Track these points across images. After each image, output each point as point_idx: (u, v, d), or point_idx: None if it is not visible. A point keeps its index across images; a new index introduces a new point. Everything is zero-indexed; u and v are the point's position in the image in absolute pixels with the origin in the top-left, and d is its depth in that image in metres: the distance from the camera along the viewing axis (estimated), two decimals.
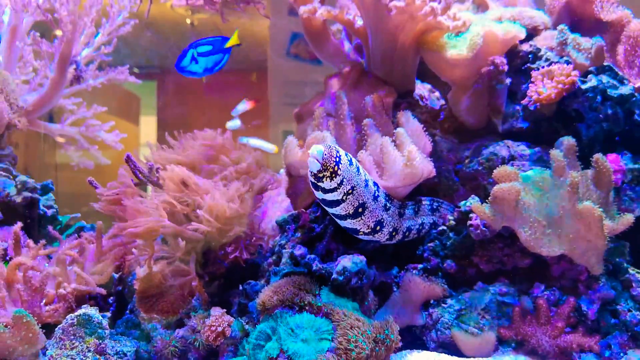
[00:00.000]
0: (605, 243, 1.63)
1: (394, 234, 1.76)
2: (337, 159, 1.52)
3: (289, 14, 3.87)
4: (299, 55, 3.97)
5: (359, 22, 2.06)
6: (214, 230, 1.78)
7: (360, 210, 1.62)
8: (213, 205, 1.77)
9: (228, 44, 2.21)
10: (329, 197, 1.57)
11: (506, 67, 1.94)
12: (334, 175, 1.51)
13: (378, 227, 1.69)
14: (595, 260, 1.66)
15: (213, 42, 2.21)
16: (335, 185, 1.54)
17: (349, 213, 1.61)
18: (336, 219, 1.69)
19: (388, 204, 1.72)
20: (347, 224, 1.67)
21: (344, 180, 1.54)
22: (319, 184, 1.54)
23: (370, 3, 1.90)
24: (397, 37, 1.96)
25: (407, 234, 1.82)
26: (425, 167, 1.71)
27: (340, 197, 1.57)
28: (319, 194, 1.58)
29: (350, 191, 1.57)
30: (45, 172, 3.26)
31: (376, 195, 1.66)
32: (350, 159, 1.58)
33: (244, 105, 3.03)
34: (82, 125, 2.72)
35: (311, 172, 1.52)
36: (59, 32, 2.52)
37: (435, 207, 1.91)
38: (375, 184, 1.68)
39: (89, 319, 1.66)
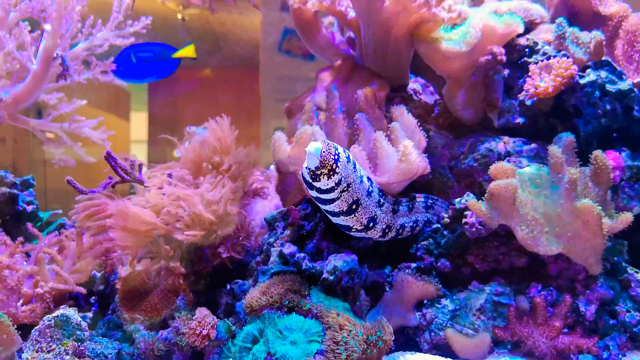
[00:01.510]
0: (603, 242, 1.60)
1: (386, 231, 1.71)
2: (336, 156, 1.46)
3: (281, 10, 3.83)
4: (290, 51, 3.94)
5: (352, 14, 2.01)
6: (198, 238, 1.74)
7: (354, 207, 1.56)
8: (197, 213, 1.72)
9: (179, 54, 2.16)
10: (324, 195, 1.51)
11: (504, 58, 1.89)
12: (332, 173, 1.45)
13: (371, 224, 1.64)
14: (593, 259, 1.63)
15: (155, 48, 2.16)
16: (333, 184, 1.48)
17: (342, 210, 1.56)
18: (328, 216, 1.63)
19: (382, 200, 1.67)
20: (340, 220, 1.61)
21: (342, 178, 1.48)
22: (315, 183, 1.47)
23: None
24: (390, 29, 1.91)
25: (400, 231, 1.76)
26: (420, 163, 1.67)
27: (335, 196, 1.51)
28: (313, 193, 1.52)
29: (345, 188, 1.51)
30: (34, 167, 3.20)
31: (370, 190, 1.61)
32: (348, 155, 1.52)
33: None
34: (67, 121, 2.64)
35: (308, 170, 1.45)
36: (47, 27, 2.44)
37: (429, 204, 1.86)
38: (369, 179, 1.63)
39: (67, 320, 1.59)
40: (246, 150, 1.99)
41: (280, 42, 3.95)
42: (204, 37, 3.79)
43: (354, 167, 1.53)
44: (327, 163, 1.44)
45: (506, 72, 1.97)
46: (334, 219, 1.62)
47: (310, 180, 1.47)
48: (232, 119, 2.11)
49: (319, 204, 1.58)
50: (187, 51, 2.19)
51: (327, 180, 1.46)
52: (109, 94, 3.76)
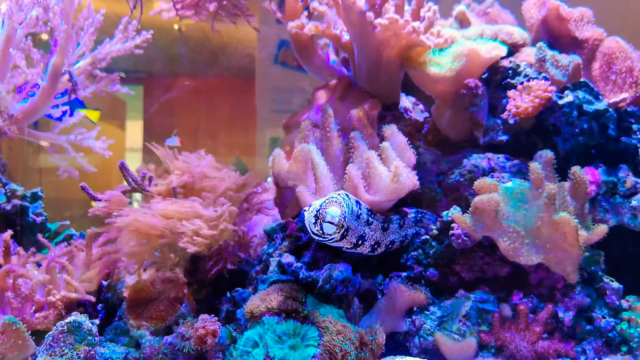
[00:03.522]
0: (580, 252, 1.69)
1: (375, 247, 1.80)
2: (345, 213, 1.55)
3: (277, 22, 3.91)
4: (286, 62, 4.00)
5: (346, 37, 2.11)
6: (202, 248, 1.83)
7: (345, 234, 1.66)
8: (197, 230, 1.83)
9: (86, 111, 2.46)
10: (325, 240, 1.62)
11: (480, 90, 2.00)
12: (341, 227, 1.55)
13: (360, 242, 1.74)
14: (571, 269, 1.72)
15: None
16: (341, 233, 1.59)
17: (335, 240, 1.66)
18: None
19: (370, 219, 1.75)
20: (332, 244, 1.72)
21: (345, 225, 1.58)
22: (321, 236, 1.58)
23: (356, 20, 1.95)
24: (382, 52, 2.02)
25: (390, 246, 1.86)
26: (410, 181, 1.76)
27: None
28: (315, 237, 1.62)
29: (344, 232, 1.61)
30: (29, 176, 3.24)
31: (359, 214, 1.70)
32: (344, 198, 1.60)
33: (173, 140, 3.05)
34: (70, 132, 2.73)
35: (323, 233, 1.54)
36: (44, 37, 2.53)
37: (419, 218, 1.96)
38: (357, 203, 1.71)
39: (79, 326, 1.68)
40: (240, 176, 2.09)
41: (276, 54, 4.02)
42: (201, 48, 3.85)
43: (348, 206, 1.61)
44: (341, 224, 1.54)
45: (484, 100, 2.06)
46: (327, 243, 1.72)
47: (317, 237, 1.58)
48: (228, 128, 2.21)
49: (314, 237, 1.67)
50: (92, 115, 2.47)
51: (336, 234, 1.57)
52: (106, 103, 3.82)
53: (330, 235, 1.56)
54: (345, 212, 1.56)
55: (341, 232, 1.57)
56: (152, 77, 3.93)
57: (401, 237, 1.89)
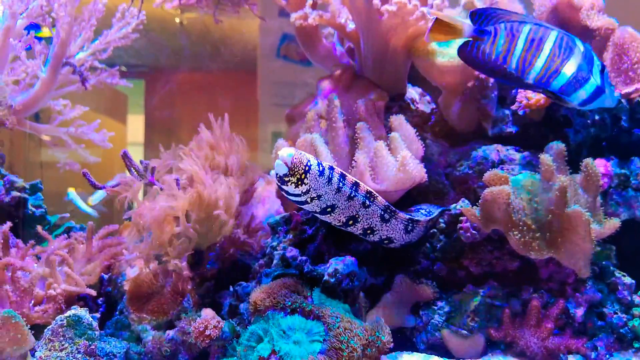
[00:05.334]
0: (592, 247, 1.65)
1: (368, 232, 1.73)
2: (307, 167, 1.49)
3: (279, 15, 3.88)
4: (289, 56, 3.97)
5: (351, 26, 2.07)
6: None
7: (328, 209, 1.61)
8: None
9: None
10: (293, 198, 1.57)
11: (490, 82, 1.96)
12: (299, 183, 1.50)
13: (351, 222, 1.68)
14: (582, 263, 1.68)
15: None
16: (300, 192, 1.53)
17: (315, 211, 1.62)
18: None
19: (367, 202, 1.66)
20: (317, 215, 1.67)
21: (310, 189, 1.53)
22: (283, 186, 1.53)
23: (362, 7, 1.91)
24: (388, 41, 1.98)
25: (385, 241, 1.79)
26: (417, 173, 1.73)
27: (304, 200, 1.57)
28: (283, 192, 1.58)
29: (316, 197, 1.56)
30: (30, 170, 3.23)
31: (352, 195, 1.62)
32: (322, 169, 1.54)
33: None
34: (70, 125, 2.70)
35: (277, 175, 1.50)
36: (45, 30, 2.50)
37: (430, 226, 1.88)
38: (353, 186, 1.63)
39: (78, 320, 1.65)
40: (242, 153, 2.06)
41: (278, 48, 3.98)
42: (203, 42, 3.83)
43: (329, 182, 1.56)
44: (297, 171, 1.48)
45: (495, 91, 2.02)
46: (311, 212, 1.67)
47: (279, 183, 1.53)
48: (229, 122, 2.18)
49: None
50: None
51: (295, 188, 1.51)
52: (107, 97, 3.80)
53: (280, 177, 1.48)
54: (305, 161, 1.48)
55: (300, 188, 1.49)
56: (153, 71, 3.92)
57: (403, 242, 1.82)
